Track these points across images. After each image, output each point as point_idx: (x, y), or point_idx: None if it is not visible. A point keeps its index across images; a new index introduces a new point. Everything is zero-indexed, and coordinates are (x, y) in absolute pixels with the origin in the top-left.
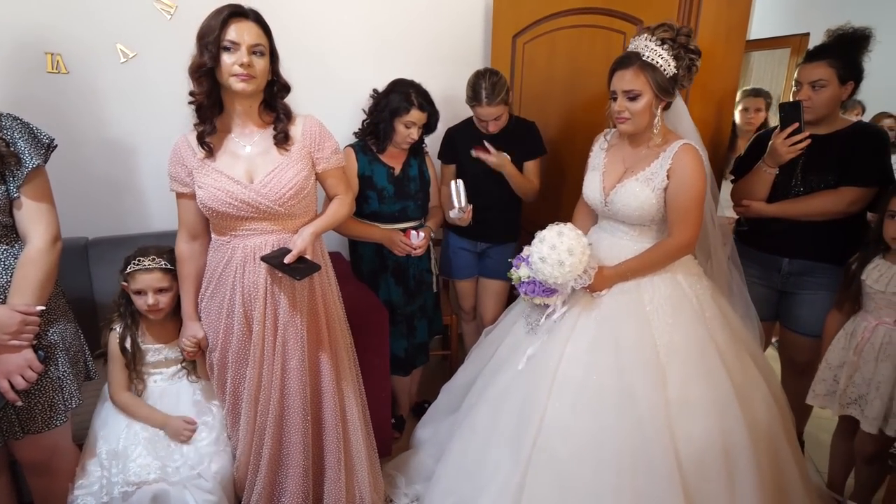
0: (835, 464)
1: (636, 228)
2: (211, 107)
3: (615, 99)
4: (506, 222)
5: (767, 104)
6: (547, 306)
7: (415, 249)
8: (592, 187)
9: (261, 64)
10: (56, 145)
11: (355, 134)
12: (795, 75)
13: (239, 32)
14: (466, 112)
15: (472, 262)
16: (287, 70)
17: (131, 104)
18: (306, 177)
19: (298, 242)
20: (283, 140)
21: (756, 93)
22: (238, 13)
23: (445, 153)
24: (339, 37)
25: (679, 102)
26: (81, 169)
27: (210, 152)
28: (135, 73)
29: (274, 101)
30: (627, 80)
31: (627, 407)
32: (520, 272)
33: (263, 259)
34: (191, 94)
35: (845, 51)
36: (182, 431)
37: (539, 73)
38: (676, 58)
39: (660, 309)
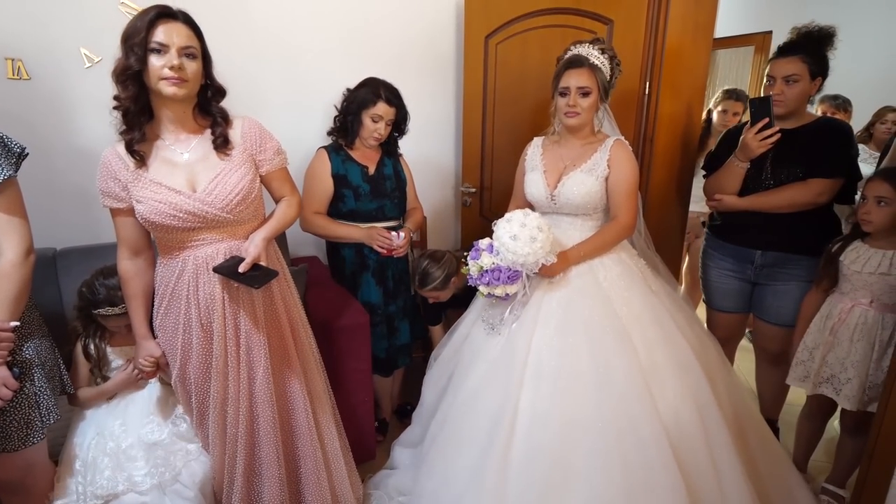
0: (799, 442)
1: (580, 218)
2: (138, 112)
3: (564, 95)
4: None
5: (745, 108)
6: (506, 297)
7: (396, 249)
8: (537, 185)
9: (192, 67)
10: (27, 154)
11: (329, 133)
12: (767, 70)
13: (168, 34)
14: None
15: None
16: (258, 71)
17: (98, 110)
18: (251, 180)
19: (251, 250)
20: (222, 144)
21: (738, 96)
22: (166, 14)
23: (430, 317)
24: (311, 39)
25: (604, 107)
26: (47, 178)
27: (142, 161)
28: (101, 78)
29: (208, 106)
30: (581, 77)
31: (605, 381)
32: (481, 261)
33: (216, 270)
34: (115, 98)
35: (814, 48)
36: (138, 373)
37: (512, 73)
38: (610, 67)
39: (614, 285)
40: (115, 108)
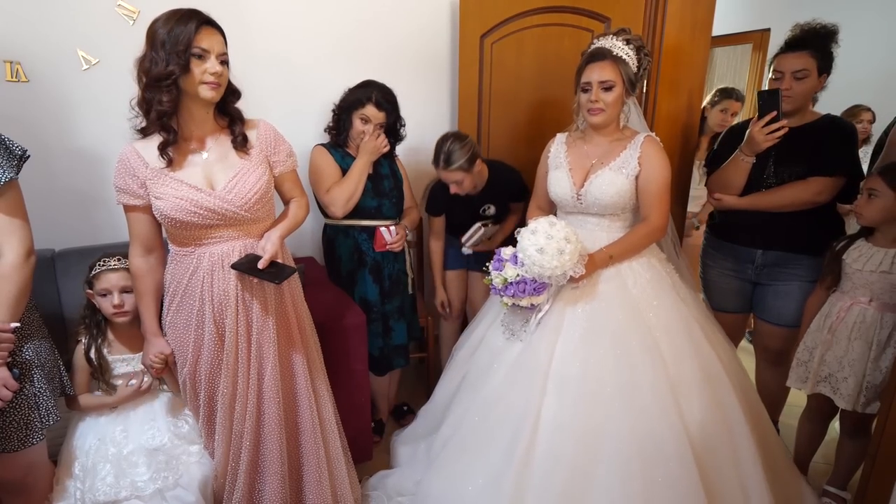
0: (800, 444)
1: (608, 218)
2: (172, 114)
3: (586, 91)
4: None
5: (743, 107)
6: (532, 307)
7: (391, 244)
8: (562, 184)
9: (226, 72)
10: (29, 156)
11: (325, 130)
12: (774, 65)
13: (210, 41)
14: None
15: (461, 254)
16: (252, 74)
17: (95, 112)
18: (268, 180)
19: (269, 247)
20: (242, 143)
21: (738, 96)
22: (207, 22)
23: (431, 207)
24: (305, 41)
25: (630, 101)
26: (46, 179)
27: (169, 161)
28: (98, 80)
29: (226, 107)
30: (603, 71)
31: (630, 393)
32: (505, 273)
33: (234, 267)
34: (158, 102)
35: (821, 44)
36: (149, 370)
37: (507, 73)
38: (638, 58)
39: (644, 292)
40: (154, 111)
